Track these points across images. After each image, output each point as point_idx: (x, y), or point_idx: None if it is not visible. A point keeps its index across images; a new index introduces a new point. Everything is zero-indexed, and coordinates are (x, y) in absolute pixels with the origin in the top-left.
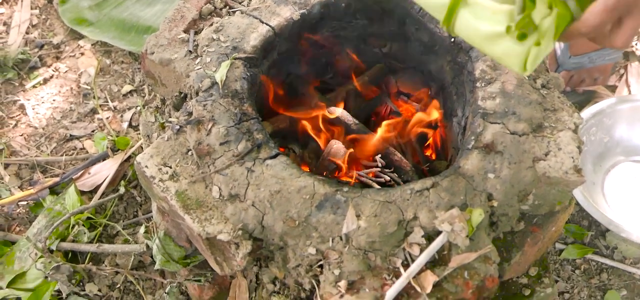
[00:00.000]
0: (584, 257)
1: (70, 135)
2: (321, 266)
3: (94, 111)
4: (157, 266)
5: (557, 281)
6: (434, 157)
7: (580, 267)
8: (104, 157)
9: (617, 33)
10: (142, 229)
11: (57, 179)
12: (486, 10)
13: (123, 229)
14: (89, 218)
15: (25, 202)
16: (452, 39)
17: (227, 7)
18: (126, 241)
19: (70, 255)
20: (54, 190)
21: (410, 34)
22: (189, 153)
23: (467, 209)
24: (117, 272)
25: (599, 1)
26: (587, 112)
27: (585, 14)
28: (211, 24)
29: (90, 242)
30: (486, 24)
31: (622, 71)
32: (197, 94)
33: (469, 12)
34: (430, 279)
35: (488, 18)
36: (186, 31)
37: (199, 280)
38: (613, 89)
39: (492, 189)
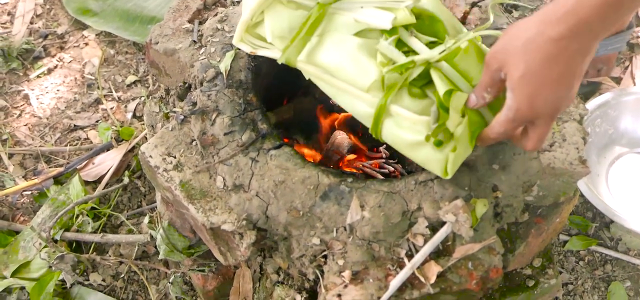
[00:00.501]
0: (588, 249)
1: (75, 125)
2: (325, 256)
3: (98, 101)
4: (161, 256)
5: (561, 272)
6: None
7: (584, 259)
8: (108, 148)
9: (526, 138)
10: (146, 219)
11: (61, 169)
12: (407, 121)
13: (127, 219)
14: (93, 208)
15: (29, 192)
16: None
17: None
18: (130, 231)
19: (74, 245)
20: (58, 180)
21: None
22: (193, 143)
23: (472, 199)
24: (121, 262)
25: (502, 112)
26: (592, 104)
27: (492, 122)
28: (216, 14)
29: (95, 232)
30: (407, 133)
31: (627, 63)
32: (201, 84)
33: (392, 121)
34: (434, 269)
35: (409, 128)
36: (190, 21)
37: (203, 270)
38: (618, 80)
39: (497, 180)
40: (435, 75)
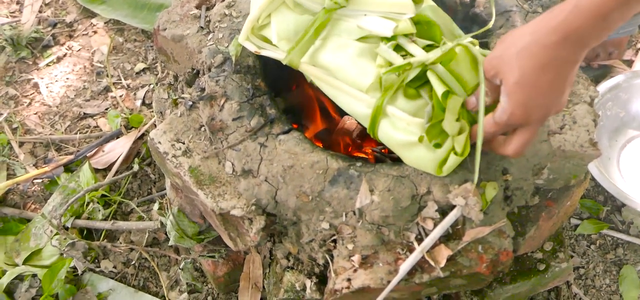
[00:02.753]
0: (600, 233)
1: (84, 113)
2: (335, 241)
3: (107, 89)
4: (171, 242)
5: (572, 256)
6: None
7: (596, 242)
8: (117, 135)
9: (509, 143)
10: (156, 206)
11: (71, 157)
12: (401, 122)
13: (137, 206)
14: (103, 195)
15: (40, 180)
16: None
17: None
18: (140, 218)
19: (85, 232)
20: (69, 168)
21: None
22: (202, 129)
23: (482, 183)
24: (131, 249)
25: (495, 114)
26: (603, 87)
27: (484, 123)
28: (223, 0)
29: (105, 219)
30: (401, 134)
31: (638, 46)
32: (209, 69)
33: (388, 122)
34: (444, 253)
35: (403, 129)
36: (198, 7)
37: (213, 256)
38: (629, 63)
39: (507, 163)
40: (432, 77)
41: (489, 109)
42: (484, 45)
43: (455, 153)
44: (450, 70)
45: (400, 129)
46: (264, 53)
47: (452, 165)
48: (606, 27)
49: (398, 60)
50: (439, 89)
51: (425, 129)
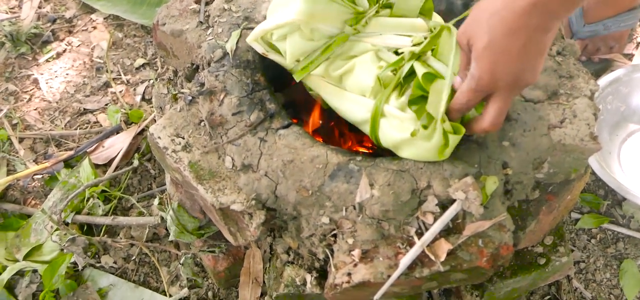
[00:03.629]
0: (600, 227)
1: (84, 108)
2: (335, 236)
3: (107, 85)
4: (171, 237)
5: (572, 250)
6: None
7: (596, 237)
8: (117, 130)
9: (484, 116)
10: (156, 201)
11: (71, 153)
12: (397, 120)
13: (137, 201)
14: (103, 191)
15: (40, 176)
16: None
17: None
18: (141, 213)
19: (85, 227)
20: (69, 163)
21: None
22: (202, 124)
23: (482, 177)
24: (132, 244)
25: (465, 82)
26: (603, 81)
27: (456, 94)
28: None
29: (105, 214)
30: (397, 132)
31: (639, 39)
32: (209, 64)
33: (386, 122)
34: (444, 247)
35: (397, 127)
36: (197, 2)
37: (214, 251)
38: (630, 57)
39: (507, 157)
40: (417, 65)
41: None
42: None
43: (449, 133)
44: (438, 57)
45: (396, 127)
46: (271, 57)
47: (451, 146)
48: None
49: (394, 58)
50: (420, 71)
51: (412, 109)
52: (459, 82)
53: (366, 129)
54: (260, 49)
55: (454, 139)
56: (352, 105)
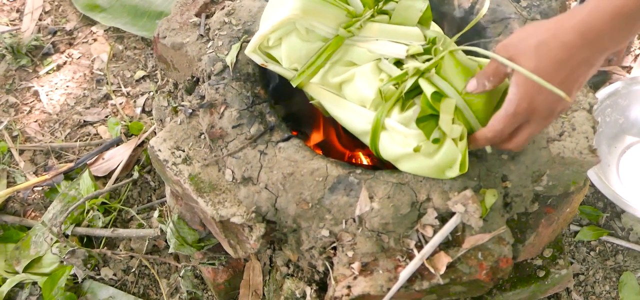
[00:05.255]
0: (599, 239)
1: (84, 121)
2: (335, 248)
3: (107, 97)
4: (171, 250)
5: (572, 263)
6: None
7: (596, 249)
8: (117, 143)
9: (514, 137)
10: (156, 213)
11: (71, 165)
12: (399, 135)
13: (137, 213)
14: (103, 203)
15: (40, 188)
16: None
17: None
18: (140, 226)
19: (85, 239)
20: (69, 175)
21: None
22: (202, 136)
23: (481, 190)
24: (132, 257)
25: (502, 108)
26: (602, 93)
27: (491, 120)
28: (223, 8)
29: (105, 226)
30: (399, 147)
31: (637, 51)
32: (209, 77)
33: (386, 136)
34: (443, 260)
35: (401, 142)
36: (198, 15)
37: (213, 264)
38: (628, 69)
39: (506, 170)
40: (423, 82)
41: (479, 114)
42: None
43: (462, 139)
44: (442, 76)
45: (398, 142)
46: (270, 67)
47: (455, 168)
48: (627, 30)
49: (397, 73)
50: (428, 90)
51: (419, 126)
52: (474, 85)
53: (366, 140)
54: (259, 60)
55: (460, 158)
56: (353, 116)
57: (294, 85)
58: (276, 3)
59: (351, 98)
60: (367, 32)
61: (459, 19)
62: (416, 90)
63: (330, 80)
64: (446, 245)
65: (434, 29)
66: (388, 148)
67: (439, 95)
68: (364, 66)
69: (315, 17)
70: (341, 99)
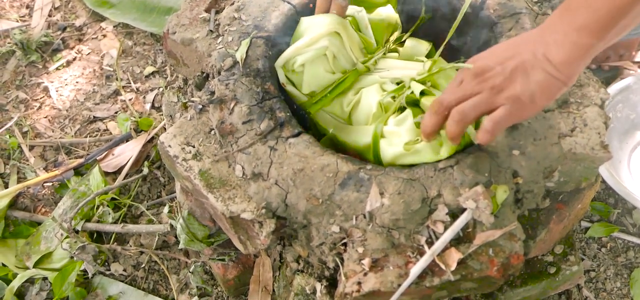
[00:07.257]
0: (610, 235)
1: (94, 116)
2: (345, 244)
3: (116, 93)
4: (181, 245)
5: (583, 259)
6: None
7: (607, 245)
8: (127, 138)
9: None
10: (166, 209)
11: (81, 160)
12: (396, 136)
13: (147, 209)
14: (113, 199)
15: (50, 184)
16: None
17: None
18: (150, 221)
19: (95, 235)
20: (79, 171)
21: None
22: (212, 132)
23: (492, 186)
24: (141, 252)
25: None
26: (613, 88)
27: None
28: (232, 3)
29: (115, 222)
30: (397, 147)
31: None
32: (219, 73)
33: (385, 141)
34: (454, 256)
35: (398, 142)
36: (207, 10)
37: (223, 260)
38: (639, 65)
39: (517, 166)
40: (414, 84)
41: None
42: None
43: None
44: (436, 84)
45: (395, 143)
46: (288, 89)
47: (448, 145)
48: (567, 22)
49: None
50: (417, 89)
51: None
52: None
53: (368, 153)
54: (282, 76)
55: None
56: (357, 135)
57: (308, 110)
58: (312, 23)
59: (358, 120)
60: (380, 66)
61: (469, 15)
62: (414, 101)
63: (344, 108)
64: (457, 241)
65: (441, 65)
66: (387, 151)
67: (426, 94)
68: (369, 87)
69: (348, 38)
70: (348, 126)
